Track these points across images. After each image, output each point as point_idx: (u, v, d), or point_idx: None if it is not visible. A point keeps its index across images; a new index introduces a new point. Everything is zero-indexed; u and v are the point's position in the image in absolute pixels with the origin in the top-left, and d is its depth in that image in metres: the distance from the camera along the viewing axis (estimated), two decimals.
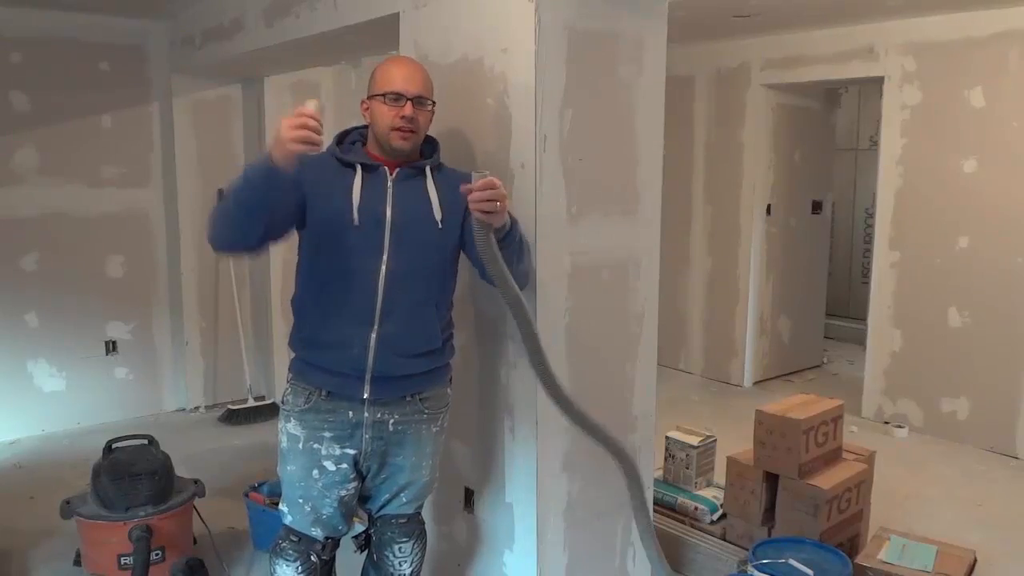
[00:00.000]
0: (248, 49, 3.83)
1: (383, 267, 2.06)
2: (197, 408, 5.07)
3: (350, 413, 2.12)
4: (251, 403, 4.91)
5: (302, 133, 1.76)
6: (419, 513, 2.34)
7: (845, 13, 4.51)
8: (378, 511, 2.29)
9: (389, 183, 2.10)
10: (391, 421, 2.15)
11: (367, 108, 2.12)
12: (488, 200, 1.87)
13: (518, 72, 2.25)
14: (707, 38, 5.46)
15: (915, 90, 4.61)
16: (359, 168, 2.09)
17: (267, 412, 4.85)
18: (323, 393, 2.12)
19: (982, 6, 4.21)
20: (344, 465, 2.14)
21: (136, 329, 4.90)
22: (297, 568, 2.19)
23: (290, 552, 2.20)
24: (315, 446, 2.13)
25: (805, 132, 5.73)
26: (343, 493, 2.16)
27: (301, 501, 2.17)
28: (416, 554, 2.31)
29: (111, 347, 4.82)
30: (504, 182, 2.31)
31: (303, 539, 2.20)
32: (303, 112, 1.77)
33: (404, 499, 2.26)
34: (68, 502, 2.89)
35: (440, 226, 2.11)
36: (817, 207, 5.96)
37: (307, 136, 1.76)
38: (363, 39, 3.32)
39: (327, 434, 2.12)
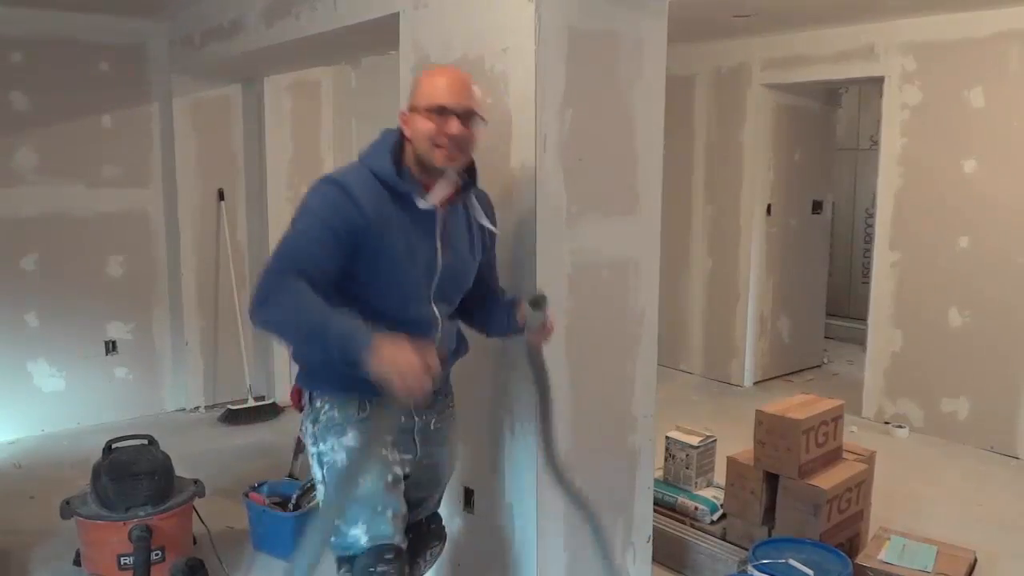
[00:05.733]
0: (248, 49, 3.82)
1: (434, 311, 1.98)
2: (197, 408, 5.07)
3: (402, 418, 2.01)
4: (251, 403, 4.90)
5: (412, 379, 1.59)
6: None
7: (845, 13, 4.51)
8: (411, 518, 2.18)
9: (438, 219, 1.94)
10: (432, 422, 2.14)
11: (406, 121, 1.91)
12: (541, 340, 2.01)
13: (518, 72, 2.25)
14: (707, 38, 5.45)
15: (915, 90, 4.61)
16: (414, 201, 1.89)
17: (267, 412, 4.85)
18: (373, 400, 1.93)
19: (982, 6, 4.21)
20: (404, 470, 2.04)
21: (136, 329, 4.90)
22: None
23: (392, 574, 1.91)
24: (383, 451, 1.97)
25: (805, 132, 5.73)
26: (400, 498, 2.03)
27: (380, 507, 1.94)
28: (440, 555, 2.33)
29: (111, 347, 4.82)
30: (504, 182, 2.32)
31: (396, 552, 1.94)
32: (430, 367, 1.61)
33: (438, 497, 2.28)
34: (68, 502, 2.89)
35: (475, 259, 2.08)
36: (817, 207, 5.96)
37: (417, 386, 1.60)
38: (363, 39, 3.32)
39: (389, 437, 1.99)
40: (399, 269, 1.87)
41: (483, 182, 2.34)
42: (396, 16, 2.70)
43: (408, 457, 2.07)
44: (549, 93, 2.23)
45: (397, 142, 1.92)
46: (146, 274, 4.91)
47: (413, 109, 1.90)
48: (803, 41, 5.07)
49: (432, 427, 2.14)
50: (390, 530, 1.93)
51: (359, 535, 1.91)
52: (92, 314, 4.73)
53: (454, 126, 1.85)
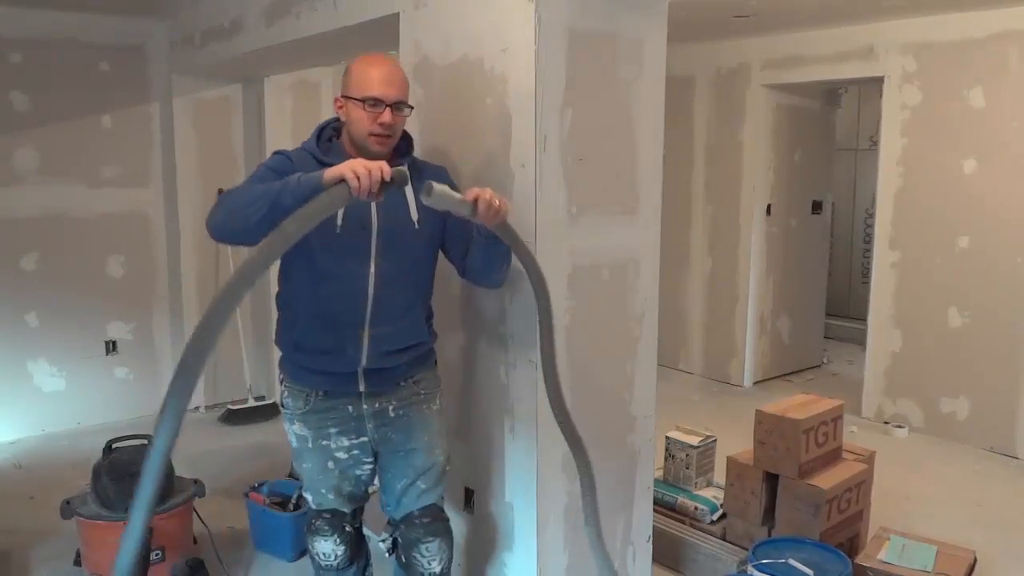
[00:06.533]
0: (248, 49, 3.82)
1: (371, 271, 2.08)
2: (197, 408, 5.06)
3: (349, 407, 2.19)
4: (251, 403, 4.91)
5: (363, 172, 1.69)
6: (442, 510, 2.33)
7: (845, 13, 4.51)
8: (400, 511, 2.27)
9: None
10: (390, 407, 2.21)
11: (341, 106, 2.06)
12: (494, 212, 1.89)
13: (518, 72, 2.25)
14: (707, 38, 5.46)
15: (915, 90, 4.61)
16: None
17: (267, 412, 4.85)
18: (319, 393, 2.18)
19: (982, 6, 4.21)
20: (356, 451, 2.22)
21: (136, 329, 4.90)
22: (335, 540, 2.29)
23: (325, 528, 2.29)
24: (324, 443, 2.20)
25: (805, 132, 5.73)
26: (360, 472, 2.26)
27: (324, 490, 2.26)
28: (444, 551, 2.29)
29: (111, 347, 4.83)
30: (504, 182, 2.32)
31: (334, 514, 2.29)
32: (383, 167, 1.74)
33: (423, 486, 2.25)
34: (68, 502, 2.89)
35: (416, 226, 2.13)
36: (817, 207, 5.96)
37: (367, 179, 1.70)
38: (363, 39, 3.31)
39: (332, 430, 2.20)
40: (330, 221, 1.97)
41: (484, 182, 2.34)
42: (396, 16, 2.70)
43: (362, 440, 2.21)
44: (549, 93, 2.24)
45: (328, 125, 2.14)
46: (146, 274, 4.91)
47: (347, 97, 2.04)
48: (803, 41, 5.07)
49: (392, 412, 2.21)
50: (328, 501, 2.26)
51: (310, 498, 2.30)
52: (92, 314, 4.73)
53: (386, 116, 2.00)
